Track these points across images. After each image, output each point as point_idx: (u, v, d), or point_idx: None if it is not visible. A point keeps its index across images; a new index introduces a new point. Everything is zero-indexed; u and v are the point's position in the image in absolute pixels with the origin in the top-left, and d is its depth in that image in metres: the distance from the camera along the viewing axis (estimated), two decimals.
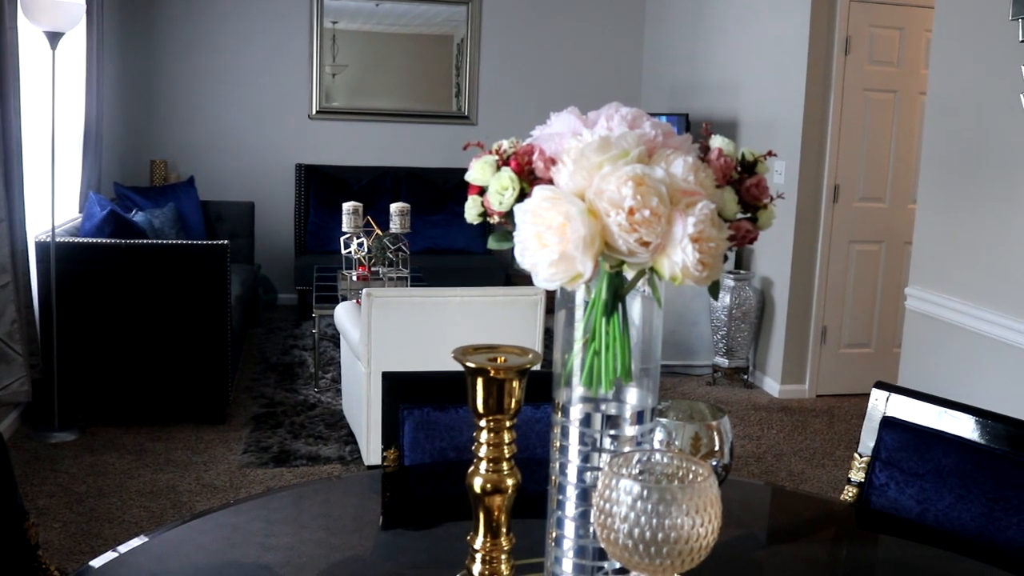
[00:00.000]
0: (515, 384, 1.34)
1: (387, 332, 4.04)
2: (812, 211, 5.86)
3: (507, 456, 1.38)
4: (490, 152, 1.25)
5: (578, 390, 1.33)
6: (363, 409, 4.15)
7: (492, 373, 1.33)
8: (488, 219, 1.27)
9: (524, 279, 7.70)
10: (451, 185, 7.91)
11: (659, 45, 8.05)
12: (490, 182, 1.22)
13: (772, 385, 6.05)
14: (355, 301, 4.94)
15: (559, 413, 1.35)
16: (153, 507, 4.05)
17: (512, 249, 1.20)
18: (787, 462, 4.88)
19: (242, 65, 7.83)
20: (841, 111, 5.78)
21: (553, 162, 1.20)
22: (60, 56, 4.85)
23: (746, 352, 6.18)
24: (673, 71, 7.73)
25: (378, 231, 5.57)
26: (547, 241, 1.13)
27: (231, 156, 7.85)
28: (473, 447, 1.38)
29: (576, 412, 1.34)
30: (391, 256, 5.45)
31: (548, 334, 5.25)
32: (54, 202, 4.76)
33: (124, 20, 7.50)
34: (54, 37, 4.63)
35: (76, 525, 3.85)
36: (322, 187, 7.75)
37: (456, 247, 7.74)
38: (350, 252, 5.54)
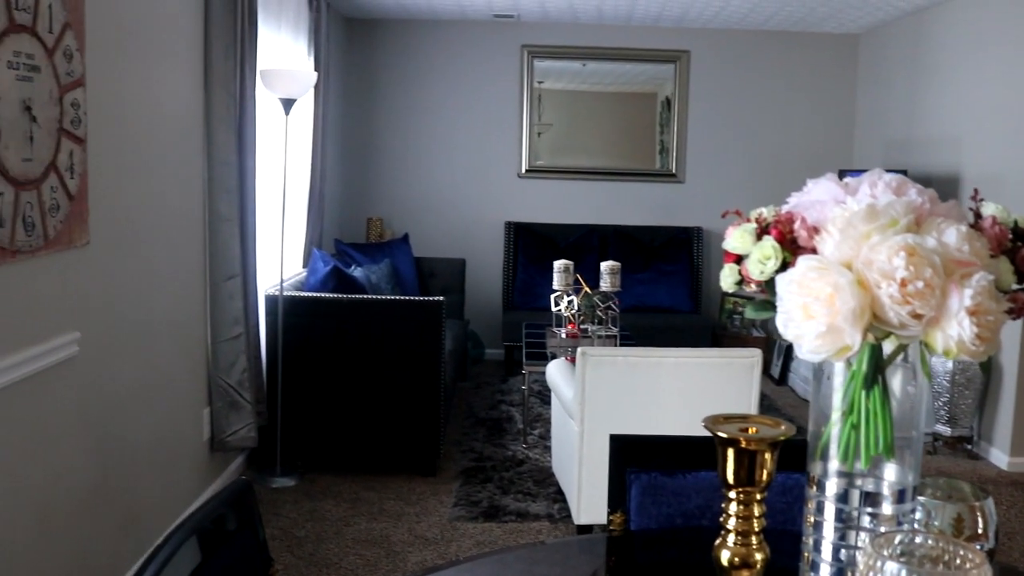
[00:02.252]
0: (767, 456, 1.31)
1: (600, 391, 4.04)
2: None
3: (756, 530, 1.35)
4: (748, 219, 1.24)
5: (833, 464, 1.29)
6: (574, 468, 4.14)
7: (744, 444, 1.30)
8: (744, 287, 1.25)
9: (732, 340, 7.58)
10: (658, 243, 7.89)
11: (873, 100, 7.82)
12: (750, 250, 1.20)
13: (1000, 457, 5.69)
14: (566, 358, 4.96)
15: (814, 487, 1.31)
16: (368, 555, 4.16)
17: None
18: (1020, 542, 4.57)
19: (454, 126, 8.08)
20: None
21: (816, 231, 1.17)
22: (291, 120, 5.12)
23: (970, 420, 5.85)
24: (889, 127, 7.49)
25: (587, 289, 5.60)
26: (814, 312, 1.10)
27: (443, 214, 8.09)
28: (721, 519, 1.36)
29: (832, 487, 1.29)
30: (600, 314, 5.46)
31: (763, 398, 5.11)
32: (283, 258, 5.01)
33: (346, 86, 7.88)
34: (288, 103, 4.90)
35: (297, 570, 3.99)
36: (530, 244, 7.87)
37: (663, 305, 7.69)
38: (560, 309, 5.58)
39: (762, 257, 1.19)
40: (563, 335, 5.54)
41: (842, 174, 6.38)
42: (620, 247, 7.76)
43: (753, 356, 4.01)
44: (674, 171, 8.15)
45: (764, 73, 8.11)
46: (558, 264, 5.64)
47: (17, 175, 2.77)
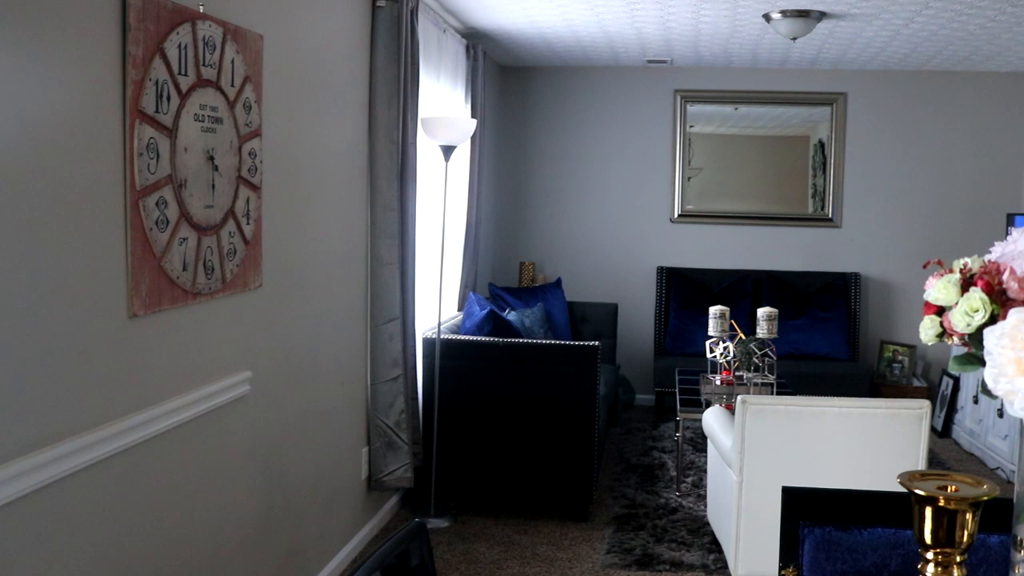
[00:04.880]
0: (968, 516, 1.26)
1: (760, 440, 3.95)
2: None
3: None
4: (950, 270, 1.20)
5: None
6: (732, 518, 4.06)
7: (943, 503, 1.25)
8: (945, 340, 1.21)
9: (891, 389, 7.33)
10: (813, 289, 7.71)
11: None
12: (955, 302, 1.16)
13: None
14: (724, 406, 4.88)
15: (1021, 551, 1.25)
16: None
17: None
18: None
19: (606, 172, 8.10)
20: None
21: None
22: (449, 166, 5.23)
23: None
24: None
25: (742, 335, 5.50)
26: None
27: (595, 259, 8.10)
28: None
29: None
30: (757, 361, 5.35)
31: (930, 453, 4.89)
32: (441, 302, 5.09)
33: (500, 133, 8.01)
34: (448, 150, 5.01)
35: None
36: (682, 290, 7.79)
37: (819, 353, 7.49)
38: (715, 356, 5.50)
39: (969, 309, 1.14)
40: (718, 382, 5.45)
41: (1010, 218, 6.09)
42: (774, 293, 7.61)
43: (922, 408, 3.86)
44: (830, 215, 7.97)
45: (924, 114, 7.88)
46: (714, 310, 5.57)
47: (199, 221, 2.90)
